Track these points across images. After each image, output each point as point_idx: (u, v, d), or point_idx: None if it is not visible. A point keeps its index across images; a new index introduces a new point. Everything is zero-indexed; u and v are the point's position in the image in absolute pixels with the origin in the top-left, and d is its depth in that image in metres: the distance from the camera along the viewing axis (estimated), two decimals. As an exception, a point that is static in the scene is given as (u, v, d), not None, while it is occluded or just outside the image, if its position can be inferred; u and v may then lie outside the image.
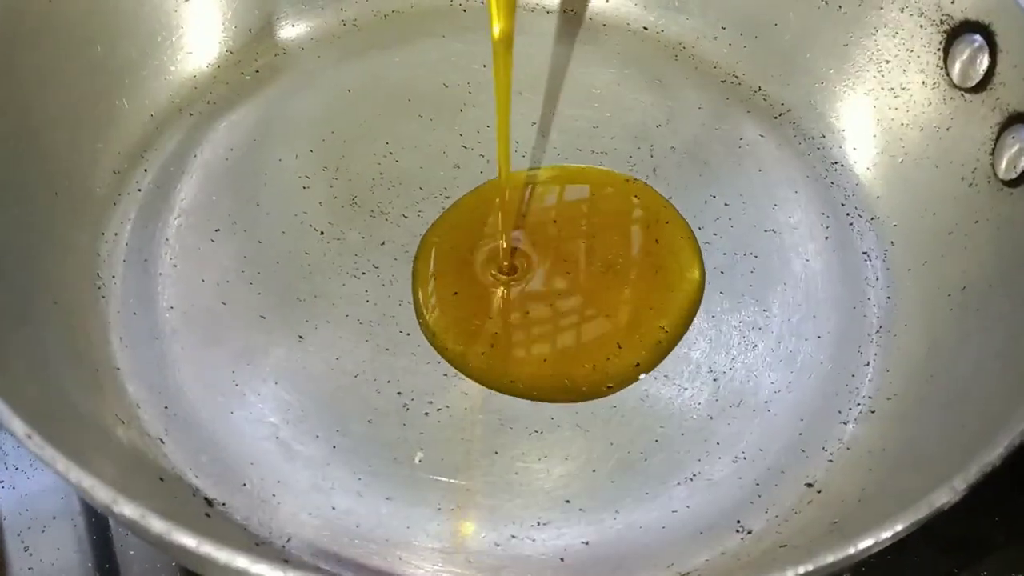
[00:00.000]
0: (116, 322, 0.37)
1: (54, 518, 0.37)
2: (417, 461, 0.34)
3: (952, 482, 0.24)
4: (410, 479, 0.34)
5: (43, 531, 0.37)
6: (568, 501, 0.34)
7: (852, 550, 0.22)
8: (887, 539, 0.23)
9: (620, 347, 0.38)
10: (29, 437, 0.22)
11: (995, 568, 0.35)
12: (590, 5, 0.48)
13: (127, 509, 0.20)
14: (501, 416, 0.36)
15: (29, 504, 0.37)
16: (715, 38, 0.47)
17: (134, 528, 0.21)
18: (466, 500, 0.34)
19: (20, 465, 0.38)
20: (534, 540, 0.33)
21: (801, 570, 0.22)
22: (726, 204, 0.43)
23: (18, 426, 0.22)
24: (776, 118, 0.45)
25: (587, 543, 0.33)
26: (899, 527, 0.22)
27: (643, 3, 0.48)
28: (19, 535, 0.36)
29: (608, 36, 0.48)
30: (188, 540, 0.20)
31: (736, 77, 0.46)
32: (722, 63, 0.46)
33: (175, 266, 0.39)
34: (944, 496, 0.23)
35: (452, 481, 0.34)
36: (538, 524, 0.33)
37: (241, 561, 0.20)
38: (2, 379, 0.24)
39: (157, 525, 0.20)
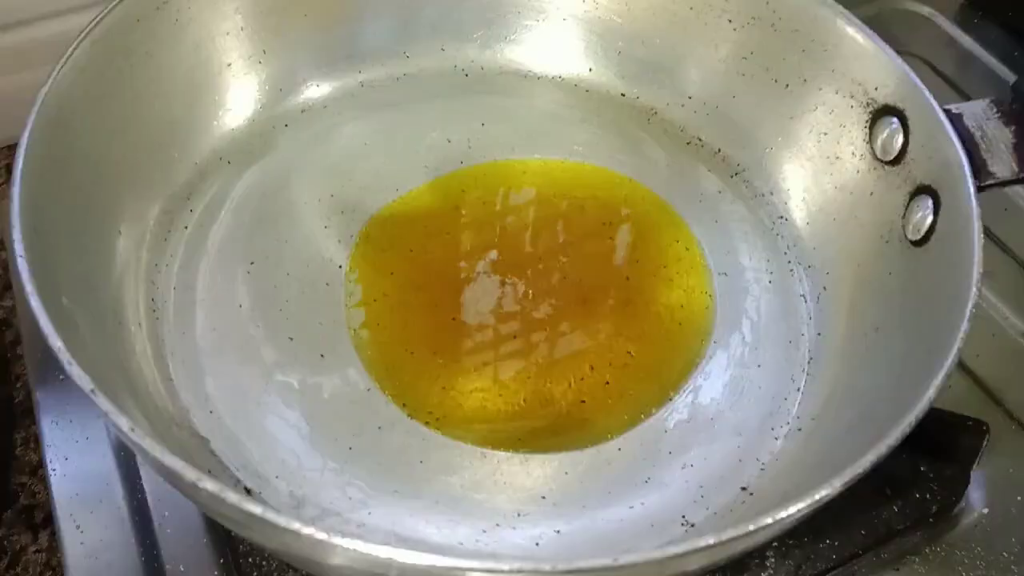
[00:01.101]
0: (168, 340, 0.44)
1: (100, 501, 0.44)
2: (419, 462, 0.42)
3: (832, 481, 0.31)
4: (413, 477, 0.41)
5: (91, 512, 0.43)
6: (544, 497, 0.41)
7: (746, 529, 0.29)
8: (774, 523, 0.30)
9: (592, 368, 0.46)
10: (132, 430, 0.29)
11: (895, 551, 0.43)
12: (575, 73, 0.56)
13: (209, 485, 0.27)
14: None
15: (79, 488, 0.44)
16: (682, 106, 0.54)
17: (210, 501, 0.28)
18: (459, 494, 0.41)
19: (69, 455, 0.45)
20: (514, 528, 0.40)
21: (712, 540, 0.29)
22: (687, 248, 0.50)
23: (124, 422, 0.29)
24: (732, 176, 0.52)
25: (558, 532, 0.40)
26: (783, 514, 0.29)
27: (621, 73, 0.55)
28: (71, 515, 0.43)
29: (590, 100, 0.56)
30: (255, 508, 0.27)
31: (699, 140, 0.54)
32: (688, 127, 0.54)
33: (215, 294, 0.46)
34: (825, 490, 0.30)
35: (448, 479, 0.41)
36: (518, 515, 0.40)
37: (296, 525, 0.27)
38: (105, 387, 0.30)
39: (232, 497, 0.27)
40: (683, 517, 0.40)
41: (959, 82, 0.64)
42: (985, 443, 0.44)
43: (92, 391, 0.30)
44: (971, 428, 0.44)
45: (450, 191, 0.52)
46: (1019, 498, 0.46)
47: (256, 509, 0.27)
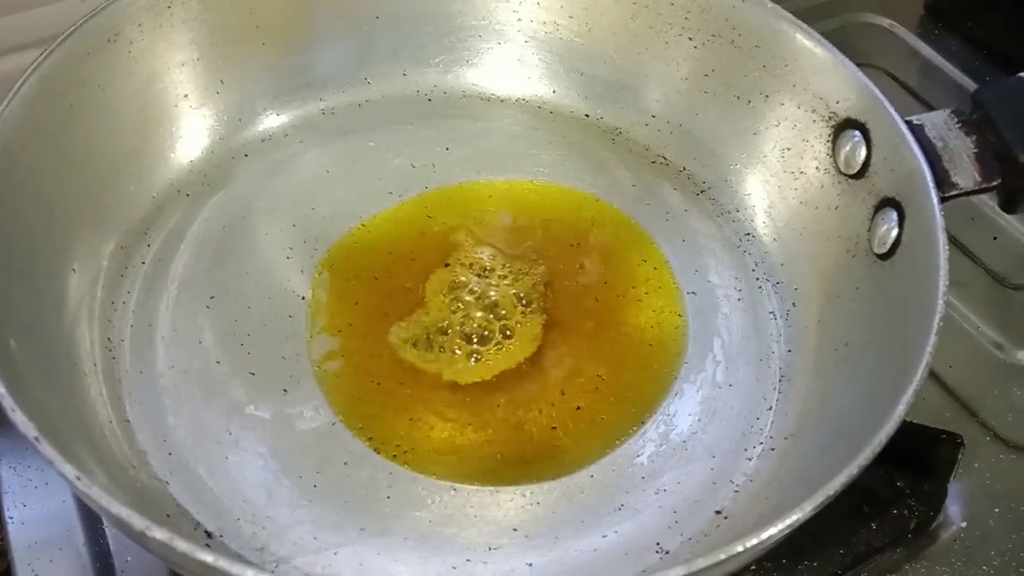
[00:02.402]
0: (125, 380, 0.43)
1: (60, 548, 0.42)
2: (387, 498, 0.40)
3: (802, 504, 0.30)
4: (380, 513, 0.40)
5: (51, 561, 0.42)
6: (515, 529, 0.40)
7: (718, 558, 0.28)
8: (747, 550, 0.29)
9: (563, 393, 0.45)
10: (78, 479, 0.27)
11: (874, 570, 0.42)
12: (538, 95, 0.56)
13: (158, 534, 0.26)
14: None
15: (38, 535, 0.43)
16: (646, 125, 0.54)
17: (161, 550, 0.27)
18: (428, 530, 0.40)
19: (28, 501, 0.44)
20: (486, 563, 0.39)
21: (683, 571, 0.28)
22: (655, 268, 0.49)
23: (69, 471, 0.28)
24: (698, 195, 0.52)
25: (531, 564, 0.39)
26: (754, 541, 0.29)
27: (584, 94, 0.55)
28: (30, 564, 0.42)
29: (554, 122, 0.55)
30: (207, 557, 0.26)
31: (664, 159, 0.53)
32: (652, 146, 0.53)
33: (175, 330, 0.45)
34: (797, 514, 0.30)
35: (416, 514, 0.40)
36: (489, 550, 0.39)
37: (249, 574, 0.25)
38: (50, 433, 0.29)
39: (182, 546, 0.26)
40: (657, 544, 0.39)
41: (921, 92, 0.64)
42: (960, 456, 0.44)
43: (36, 439, 0.29)
44: (946, 441, 0.43)
45: (415, 217, 0.51)
46: (997, 510, 0.45)
47: (208, 558, 0.26)
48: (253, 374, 0.44)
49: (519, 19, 0.55)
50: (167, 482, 0.39)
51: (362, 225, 0.50)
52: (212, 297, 0.46)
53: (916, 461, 0.44)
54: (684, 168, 0.53)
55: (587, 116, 0.55)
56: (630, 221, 0.51)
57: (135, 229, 0.47)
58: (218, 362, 0.44)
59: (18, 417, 0.29)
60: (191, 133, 0.50)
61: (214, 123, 0.51)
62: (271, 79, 0.53)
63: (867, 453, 0.32)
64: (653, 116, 0.54)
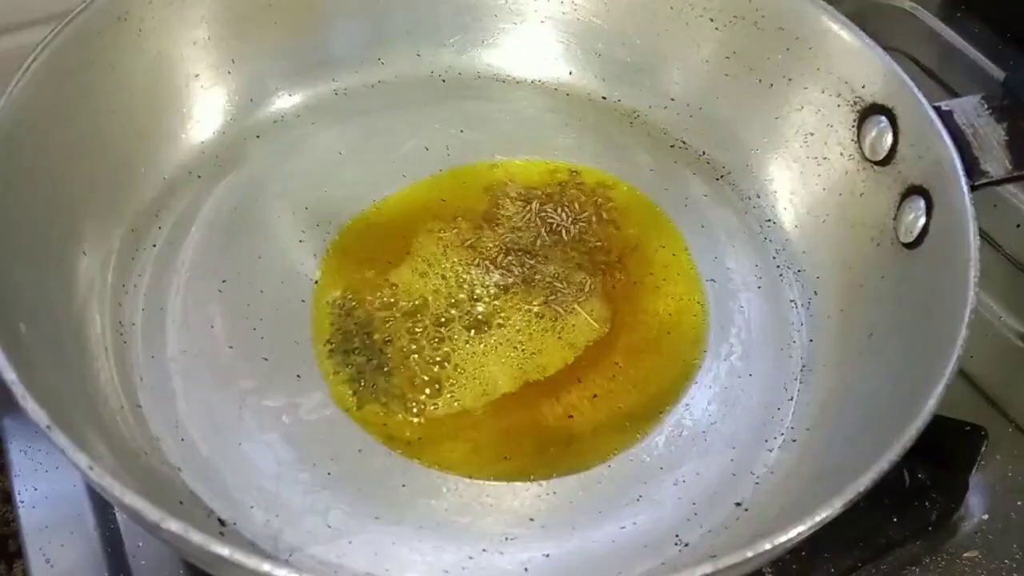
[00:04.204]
0: (136, 365, 0.42)
1: (71, 532, 0.42)
2: (401, 486, 0.40)
3: (832, 501, 0.29)
4: (395, 501, 0.39)
5: (62, 545, 0.41)
6: (532, 519, 0.39)
7: (744, 556, 0.28)
8: (773, 548, 0.28)
9: (579, 381, 0.44)
10: (91, 468, 0.27)
11: (894, 563, 0.41)
12: (555, 76, 0.54)
13: (173, 525, 0.26)
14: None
15: (49, 519, 0.42)
16: (665, 108, 0.53)
17: (175, 540, 0.26)
18: (443, 519, 0.39)
19: (38, 484, 0.43)
20: (502, 553, 0.38)
21: (709, 569, 0.27)
22: (673, 255, 0.48)
23: (82, 460, 0.27)
24: (718, 180, 0.51)
25: (548, 556, 0.38)
26: (782, 538, 0.28)
27: (602, 75, 0.54)
28: (40, 548, 0.41)
29: (571, 104, 0.54)
30: (222, 550, 0.25)
31: (684, 142, 0.52)
32: (671, 130, 0.52)
33: (187, 314, 0.44)
34: (826, 511, 0.29)
35: (431, 503, 0.39)
36: (506, 540, 0.38)
37: (266, 566, 0.25)
38: (61, 420, 0.28)
39: (196, 538, 0.25)
40: (676, 536, 0.38)
41: (944, 77, 0.62)
42: (983, 449, 0.43)
43: (48, 427, 0.28)
44: (970, 434, 0.42)
45: (428, 199, 0.50)
46: (1019, 503, 0.44)
47: (223, 551, 0.25)
48: (266, 359, 0.43)
49: (536, -1, 0.54)
50: (180, 468, 0.38)
51: (375, 207, 0.49)
52: (224, 281, 0.45)
53: (938, 453, 0.43)
54: (704, 153, 0.52)
55: (604, 98, 0.54)
56: (650, 202, 0.50)
57: (146, 211, 0.46)
58: (230, 347, 0.43)
59: (29, 404, 0.28)
60: (202, 114, 0.49)
61: (226, 104, 0.50)
62: (283, 59, 0.52)
63: (897, 448, 0.31)
64: (672, 99, 0.53)
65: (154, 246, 0.46)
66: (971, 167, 0.39)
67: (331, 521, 0.38)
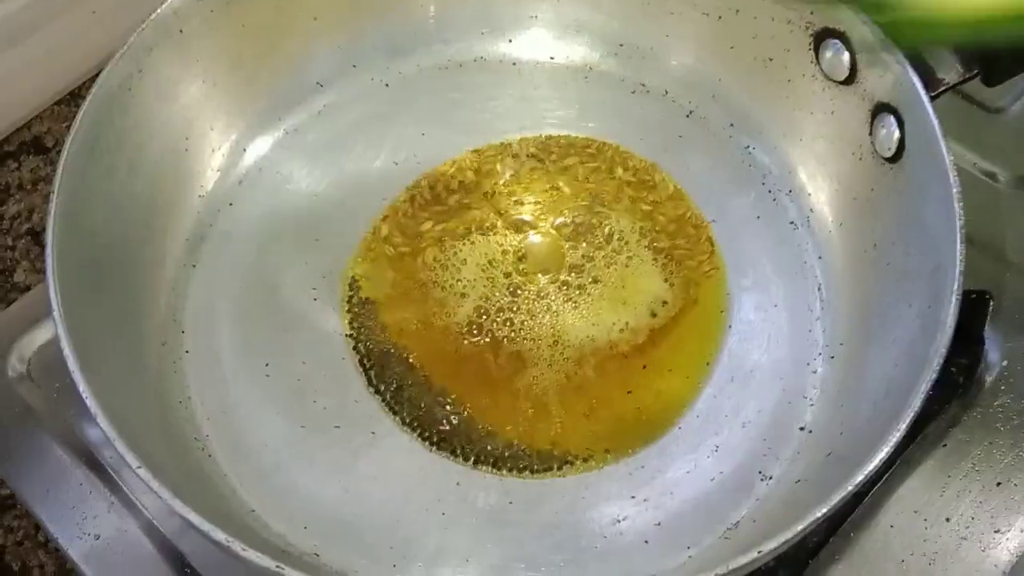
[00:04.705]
0: (224, 476, 0.53)
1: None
2: (508, 504, 0.52)
3: (887, 439, 0.43)
4: (508, 521, 0.52)
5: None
6: (633, 496, 0.52)
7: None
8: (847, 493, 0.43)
9: (626, 356, 0.57)
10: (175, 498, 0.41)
11: (937, 430, 0.56)
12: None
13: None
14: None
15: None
16: (616, 55, 0.64)
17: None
18: (556, 520, 0.52)
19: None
20: (622, 534, 0.51)
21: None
22: (671, 198, 0.61)
23: (180, 507, 0.41)
24: (687, 116, 0.63)
25: (659, 524, 0.51)
26: (860, 478, 0.42)
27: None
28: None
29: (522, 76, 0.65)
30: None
31: (643, 86, 0.64)
32: (628, 78, 0.64)
33: (248, 409, 0.55)
34: (886, 447, 0.43)
35: (536, 517, 0.52)
36: (618, 522, 0.51)
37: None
38: (147, 458, 0.42)
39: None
40: (760, 473, 0.52)
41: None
42: (990, 310, 0.58)
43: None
44: (975, 301, 0.57)
45: (411, 221, 0.61)
46: (1031, 339, 0.60)
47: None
48: (338, 427, 0.55)
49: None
50: (317, 554, 0.51)
51: (367, 241, 0.60)
52: (267, 364, 0.56)
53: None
54: (666, 92, 0.63)
55: (552, 58, 0.65)
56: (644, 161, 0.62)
57: (163, 321, 0.57)
58: (302, 427, 0.54)
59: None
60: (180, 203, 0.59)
61: (198, 181, 0.60)
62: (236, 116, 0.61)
63: (928, 373, 0.44)
64: (621, 45, 0.64)
65: (187, 352, 0.56)
66: (928, 78, 0.51)
67: (457, 551, 0.51)
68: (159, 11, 0.55)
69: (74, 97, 0.73)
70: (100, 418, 0.44)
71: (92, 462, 0.57)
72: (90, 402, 0.44)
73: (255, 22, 0.59)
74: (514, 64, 0.65)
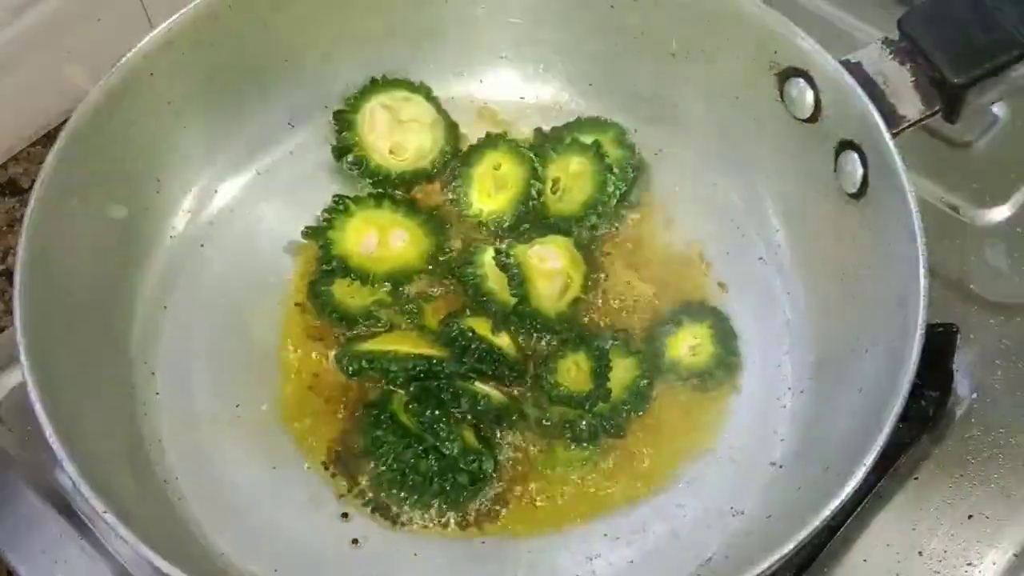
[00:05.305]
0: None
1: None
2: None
3: (864, 460, 0.44)
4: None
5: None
6: (606, 535, 0.53)
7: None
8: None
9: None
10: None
11: (908, 463, 0.56)
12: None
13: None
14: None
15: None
16: (583, 95, 0.65)
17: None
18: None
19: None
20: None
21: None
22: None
23: (147, 552, 0.42)
24: (656, 154, 0.64)
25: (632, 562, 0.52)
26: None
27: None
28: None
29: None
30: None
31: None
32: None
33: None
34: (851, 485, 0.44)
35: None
36: (590, 560, 0.52)
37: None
38: (115, 503, 0.42)
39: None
40: (731, 508, 0.53)
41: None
42: (958, 341, 0.58)
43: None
44: (942, 334, 0.57)
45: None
46: (998, 372, 0.60)
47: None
48: (309, 467, 0.55)
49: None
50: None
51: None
52: (238, 405, 0.56)
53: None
54: (636, 130, 0.64)
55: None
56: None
57: (133, 363, 0.57)
58: (274, 467, 0.54)
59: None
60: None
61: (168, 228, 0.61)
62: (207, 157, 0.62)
63: (895, 405, 0.45)
64: (590, 84, 0.65)
65: (157, 394, 0.56)
66: (889, 115, 0.52)
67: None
68: (129, 55, 0.55)
69: (50, 138, 0.73)
70: (67, 464, 0.44)
71: (64, 507, 0.56)
72: (57, 448, 0.44)
73: (225, 64, 0.59)
74: (485, 104, 0.66)
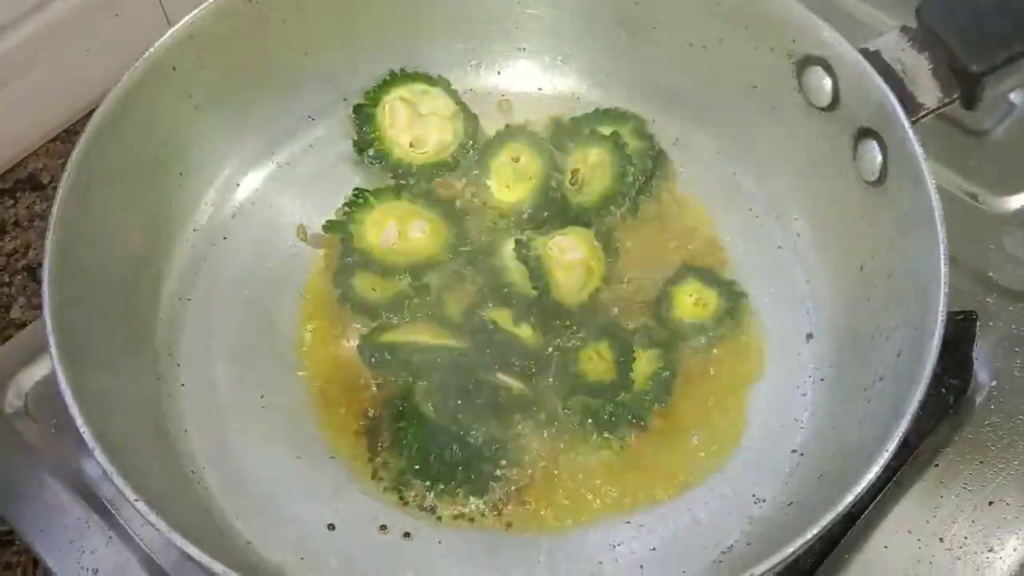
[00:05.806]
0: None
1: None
2: (537, 562, 0.53)
3: (886, 446, 0.44)
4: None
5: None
6: (628, 522, 0.53)
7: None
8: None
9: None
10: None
11: (928, 451, 0.57)
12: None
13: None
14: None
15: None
16: (601, 85, 0.65)
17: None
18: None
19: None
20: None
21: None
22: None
23: (178, 539, 0.42)
24: (674, 143, 0.64)
25: (654, 549, 0.52)
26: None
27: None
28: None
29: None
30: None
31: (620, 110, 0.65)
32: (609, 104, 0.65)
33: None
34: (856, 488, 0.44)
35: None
36: (613, 547, 0.52)
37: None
38: (144, 491, 0.43)
39: None
40: (753, 496, 0.53)
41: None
42: (977, 329, 0.58)
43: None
44: (962, 322, 0.58)
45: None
46: (1018, 360, 0.60)
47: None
48: (333, 458, 0.55)
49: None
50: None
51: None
52: (262, 396, 0.57)
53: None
54: (654, 120, 0.64)
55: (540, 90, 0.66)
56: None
57: (158, 355, 0.57)
58: (298, 458, 0.55)
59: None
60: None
61: (187, 224, 0.61)
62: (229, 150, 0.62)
63: (916, 393, 0.45)
64: (608, 75, 0.65)
65: (183, 385, 0.57)
66: (909, 103, 0.52)
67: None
68: (151, 49, 0.55)
69: (69, 134, 0.74)
70: (97, 452, 0.44)
71: (90, 497, 0.57)
72: (87, 437, 0.45)
73: (245, 59, 0.60)
74: (503, 96, 0.66)
